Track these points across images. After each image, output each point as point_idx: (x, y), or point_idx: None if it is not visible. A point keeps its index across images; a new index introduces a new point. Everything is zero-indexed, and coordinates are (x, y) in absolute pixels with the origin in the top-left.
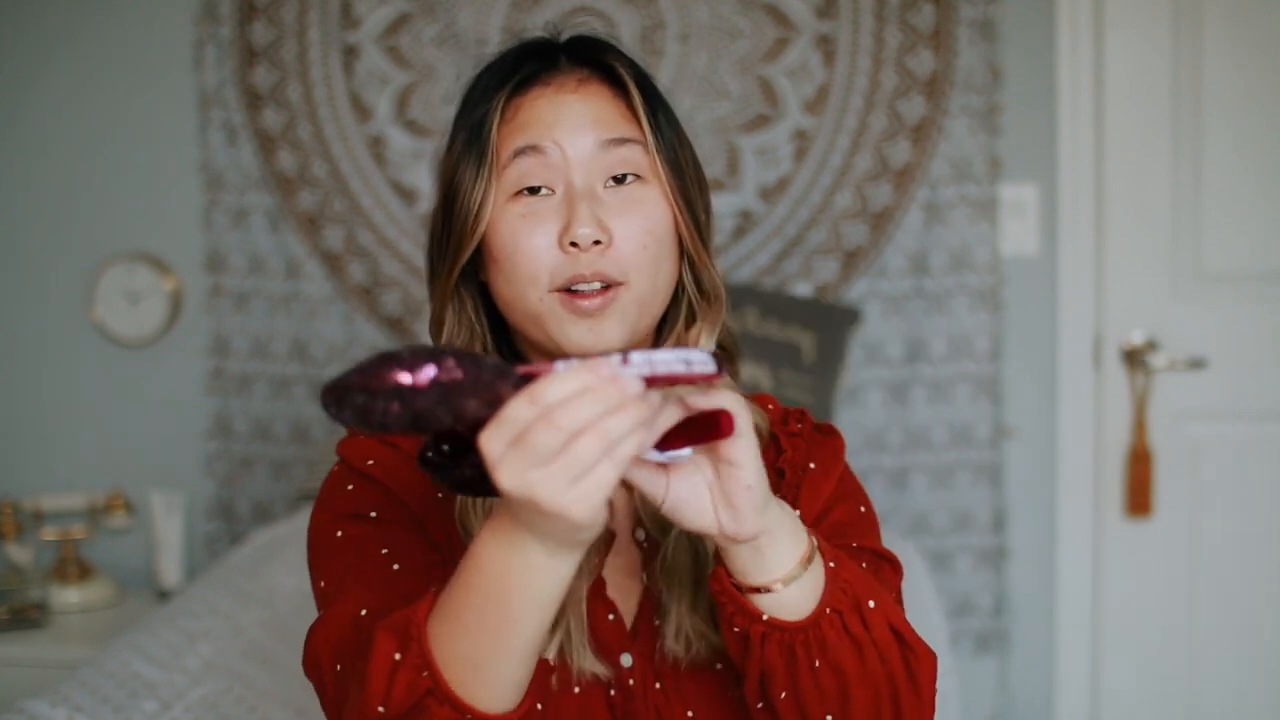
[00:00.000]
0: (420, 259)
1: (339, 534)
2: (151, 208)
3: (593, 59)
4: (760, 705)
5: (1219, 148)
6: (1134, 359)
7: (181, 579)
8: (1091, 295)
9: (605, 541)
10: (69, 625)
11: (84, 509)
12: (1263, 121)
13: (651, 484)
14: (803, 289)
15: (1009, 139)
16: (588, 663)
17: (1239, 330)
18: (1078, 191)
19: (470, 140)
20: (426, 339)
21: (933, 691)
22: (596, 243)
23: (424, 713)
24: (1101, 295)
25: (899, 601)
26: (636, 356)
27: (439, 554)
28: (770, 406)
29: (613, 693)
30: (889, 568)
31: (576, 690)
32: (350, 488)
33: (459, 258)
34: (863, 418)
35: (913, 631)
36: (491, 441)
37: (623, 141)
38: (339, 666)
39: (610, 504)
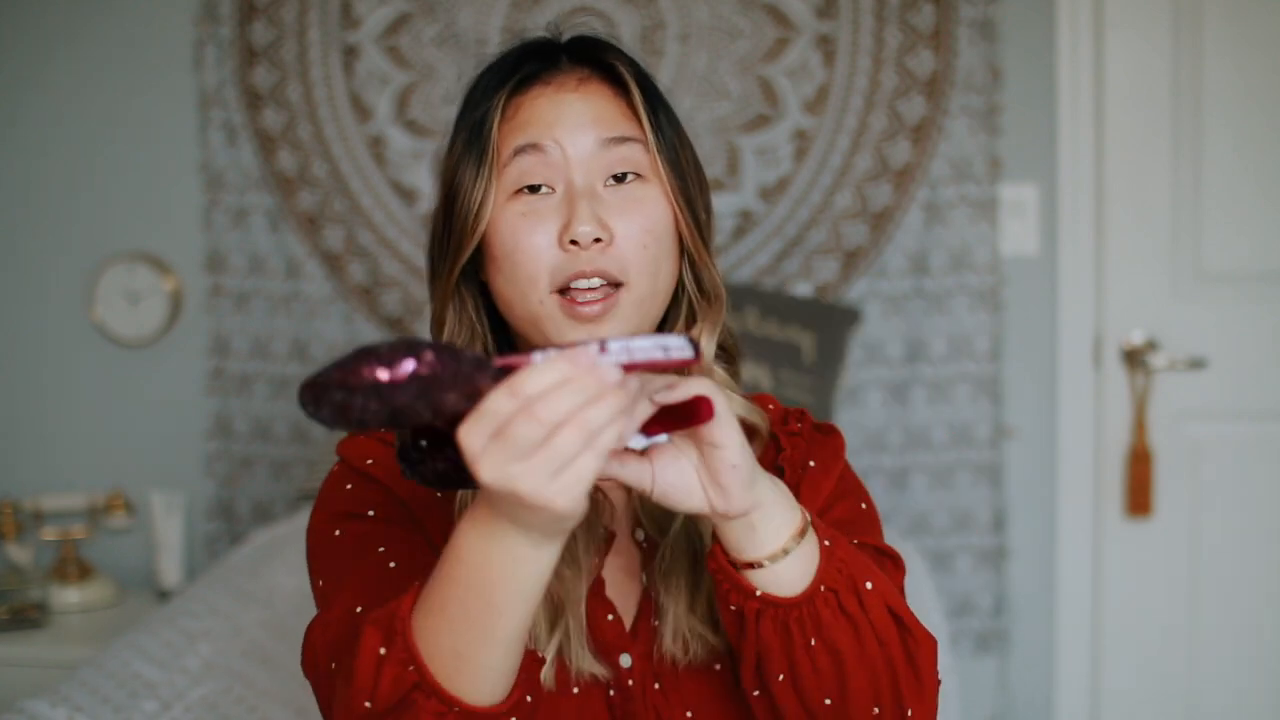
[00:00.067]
0: (420, 259)
1: (337, 533)
2: (151, 208)
3: (593, 58)
4: (757, 693)
5: (1219, 148)
6: (1134, 359)
7: (181, 579)
8: (1091, 295)
9: (605, 542)
10: (69, 625)
11: (84, 509)
12: (1263, 121)
13: (637, 475)
14: (803, 289)
15: (1009, 139)
16: (586, 663)
17: (1239, 330)
18: (1078, 191)
19: (471, 139)
20: (427, 339)
21: (933, 676)
22: (597, 240)
23: (411, 707)
24: (1101, 295)
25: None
26: (614, 345)
27: (438, 554)
28: (770, 406)
29: (612, 693)
30: (891, 564)
31: (575, 691)
32: (349, 487)
33: (459, 257)
34: (863, 418)
35: (912, 616)
36: (471, 435)
37: (623, 140)
38: (334, 664)
39: (610, 504)
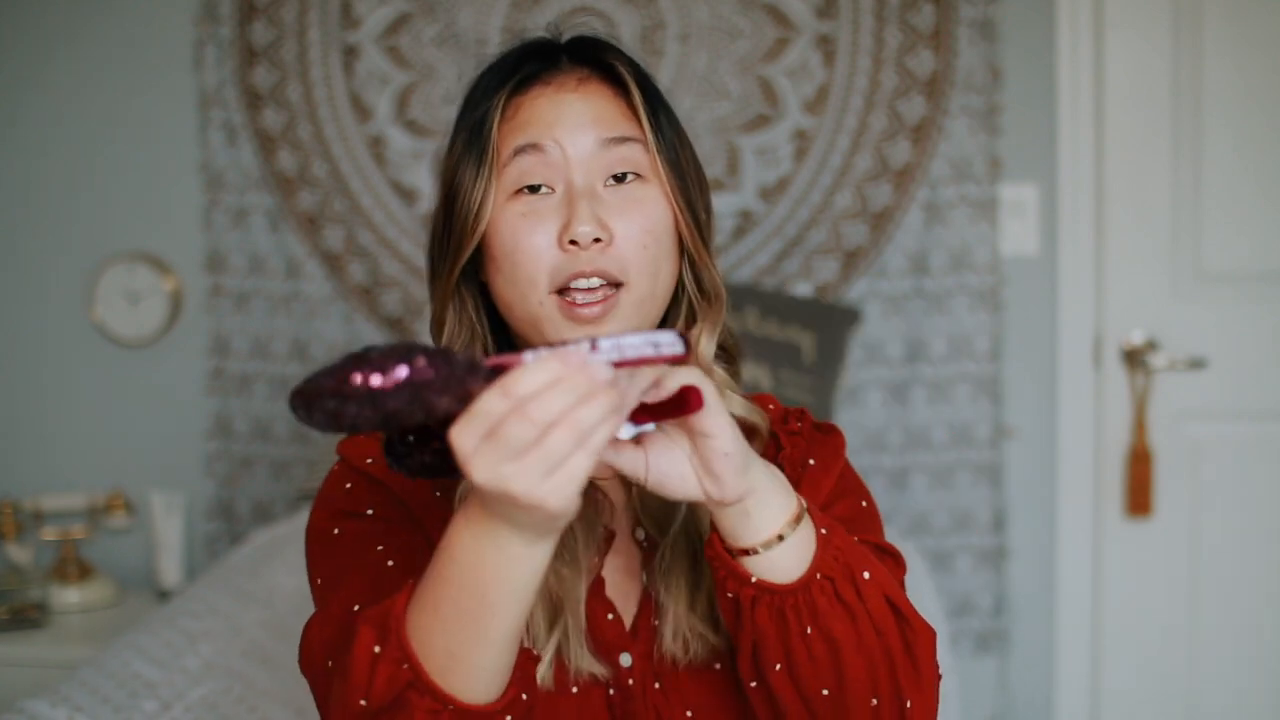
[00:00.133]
0: (420, 259)
1: (336, 531)
2: (151, 208)
3: (593, 58)
4: (754, 684)
5: (1219, 148)
6: (1134, 359)
7: (181, 579)
8: (1091, 295)
9: (605, 541)
10: (69, 625)
11: (84, 509)
12: (1263, 121)
13: (632, 464)
14: (803, 289)
15: (1009, 139)
16: (585, 663)
17: (1239, 330)
18: (1078, 191)
19: (471, 139)
20: (427, 339)
21: (932, 667)
22: (597, 240)
23: (405, 705)
24: (1101, 295)
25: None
26: (605, 343)
27: None
28: (770, 406)
29: (612, 692)
30: (891, 562)
31: (574, 691)
32: (349, 486)
33: (459, 257)
34: (863, 418)
35: (910, 606)
36: (463, 436)
37: (623, 140)
38: (330, 662)
39: (610, 503)
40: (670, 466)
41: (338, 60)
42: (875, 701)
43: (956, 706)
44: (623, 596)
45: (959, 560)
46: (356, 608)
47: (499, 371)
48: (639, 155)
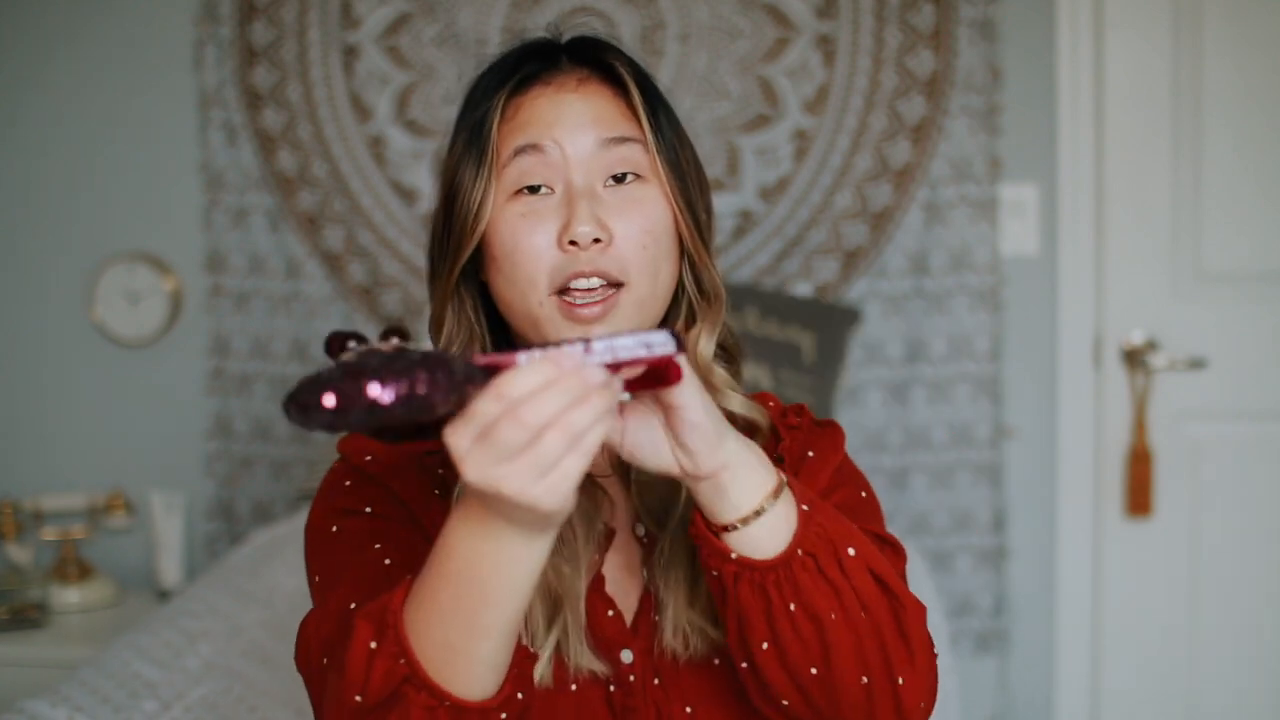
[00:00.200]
0: (420, 259)
1: (334, 529)
2: (151, 208)
3: (593, 58)
4: (745, 665)
5: (1219, 148)
6: (1134, 359)
7: (181, 579)
8: (1091, 295)
9: (605, 538)
10: (69, 625)
11: (84, 509)
12: (1263, 121)
13: (609, 431)
14: (803, 289)
15: (1009, 139)
16: (585, 660)
17: (1239, 330)
18: (1078, 191)
19: (471, 140)
20: (427, 339)
21: (925, 644)
22: (596, 240)
23: (401, 700)
24: (1101, 295)
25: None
26: (599, 345)
27: None
28: (771, 404)
29: (612, 689)
30: (891, 552)
31: (573, 688)
32: (348, 484)
33: (459, 257)
34: (863, 418)
35: (900, 582)
36: (457, 436)
37: (623, 140)
38: (326, 660)
39: (610, 500)
40: (644, 437)
41: (338, 60)
42: (866, 680)
43: (956, 706)
44: (623, 593)
45: (959, 560)
46: (353, 605)
47: (494, 371)
48: (639, 155)
